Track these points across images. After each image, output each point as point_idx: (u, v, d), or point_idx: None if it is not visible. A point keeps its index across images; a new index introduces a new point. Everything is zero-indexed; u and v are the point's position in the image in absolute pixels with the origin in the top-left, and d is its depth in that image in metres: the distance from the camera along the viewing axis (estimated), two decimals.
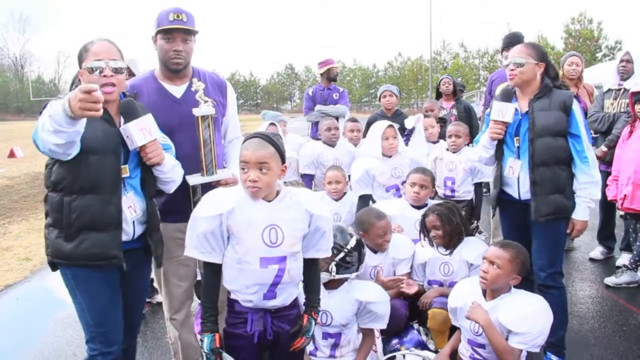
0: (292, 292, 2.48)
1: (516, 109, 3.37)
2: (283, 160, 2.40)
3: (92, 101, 2.02)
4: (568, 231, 3.37)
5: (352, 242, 3.10)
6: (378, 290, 3.22)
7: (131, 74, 4.59)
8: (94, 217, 2.46)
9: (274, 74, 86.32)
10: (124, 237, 2.57)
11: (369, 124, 6.02)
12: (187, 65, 2.96)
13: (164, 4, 3.00)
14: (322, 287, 2.88)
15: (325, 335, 3.11)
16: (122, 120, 2.57)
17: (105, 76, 2.45)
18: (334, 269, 3.03)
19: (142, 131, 2.49)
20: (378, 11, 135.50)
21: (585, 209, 3.33)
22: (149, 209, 2.68)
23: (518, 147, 3.38)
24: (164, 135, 2.75)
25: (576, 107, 3.30)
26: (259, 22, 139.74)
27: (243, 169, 2.32)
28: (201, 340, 2.41)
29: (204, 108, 2.79)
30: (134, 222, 2.62)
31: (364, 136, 5.70)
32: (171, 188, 2.80)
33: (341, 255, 3.04)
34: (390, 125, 4.63)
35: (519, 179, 3.39)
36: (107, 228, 2.50)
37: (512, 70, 3.32)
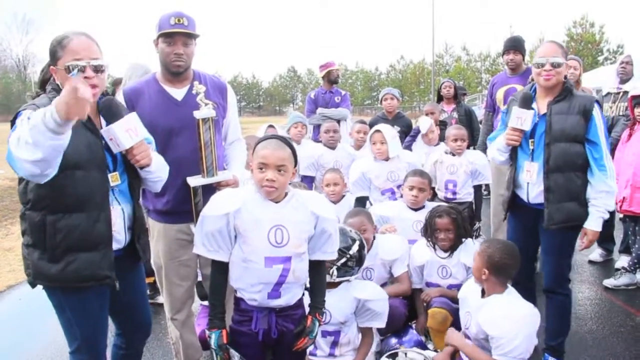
0: (296, 292, 2.52)
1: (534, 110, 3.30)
2: (295, 163, 2.47)
3: (79, 101, 1.88)
4: (579, 240, 3.28)
5: (355, 248, 3.15)
6: (376, 289, 3.27)
7: None
8: (83, 237, 2.31)
9: (276, 77, 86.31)
10: (116, 246, 2.48)
11: (370, 127, 6.06)
12: (188, 68, 2.98)
13: (165, 6, 3.02)
14: None
15: (324, 333, 3.14)
16: (102, 121, 2.46)
17: (87, 77, 2.28)
18: (335, 272, 3.07)
19: (128, 132, 2.37)
20: (381, 14, 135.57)
21: (598, 218, 3.19)
22: (136, 213, 2.59)
23: (532, 150, 3.30)
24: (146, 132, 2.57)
25: (597, 113, 3.17)
26: (262, 24, 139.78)
27: (260, 168, 2.37)
28: (209, 337, 2.46)
29: (205, 110, 2.82)
30: (125, 229, 2.54)
31: None
32: (159, 187, 2.71)
33: (343, 260, 3.08)
34: (378, 131, 4.68)
35: (528, 182, 3.32)
36: (97, 247, 2.36)
37: (549, 70, 3.17)
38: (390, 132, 4.71)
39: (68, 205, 2.29)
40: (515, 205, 3.50)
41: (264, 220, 2.38)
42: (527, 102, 3.25)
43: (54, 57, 2.34)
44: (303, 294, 2.61)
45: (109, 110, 2.43)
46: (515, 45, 5.29)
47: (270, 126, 5.80)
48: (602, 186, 3.14)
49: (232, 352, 2.46)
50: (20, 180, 2.34)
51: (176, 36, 2.87)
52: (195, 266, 3.19)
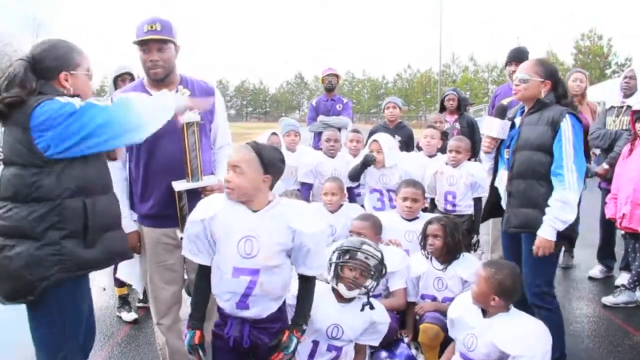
0: (268, 305, 2.47)
1: (514, 123, 3.44)
2: (266, 170, 2.40)
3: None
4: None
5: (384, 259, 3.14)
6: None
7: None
8: (114, 216, 2.56)
9: (283, 83, 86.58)
10: None
11: (370, 135, 6.01)
12: (168, 73, 2.96)
13: (166, 7, 3.03)
14: (334, 300, 2.97)
15: (331, 348, 3.06)
16: None
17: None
18: (374, 285, 3.06)
19: None
20: (389, 23, 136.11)
21: (548, 227, 3.15)
22: None
23: (508, 159, 3.42)
24: None
25: (565, 125, 3.15)
26: (272, 32, 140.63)
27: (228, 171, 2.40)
28: (185, 335, 2.51)
29: (189, 114, 2.82)
30: None
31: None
32: None
33: (383, 272, 3.09)
34: (375, 140, 4.79)
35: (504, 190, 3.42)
36: (119, 225, 2.62)
37: (517, 85, 3.33)
38: (388, 142, 4.75)
39: (103, 186, 2.50)
40: (501, 213, 3.57)
41: (235, 230, 2.37)
42: (500, 112, 3.47)
43: (70, 62, 2.46)
44: (281, 309, 2.56)
45: None
46: (518, 57, 5.23)
47: (274, 134, 5.69)
48: (556, 195, 3.14)
49: (201, 354, 2.49)
50: (23, 175, 2.24)
51: (150, 43, 2.87)
52: (182, 271, 3.18)
